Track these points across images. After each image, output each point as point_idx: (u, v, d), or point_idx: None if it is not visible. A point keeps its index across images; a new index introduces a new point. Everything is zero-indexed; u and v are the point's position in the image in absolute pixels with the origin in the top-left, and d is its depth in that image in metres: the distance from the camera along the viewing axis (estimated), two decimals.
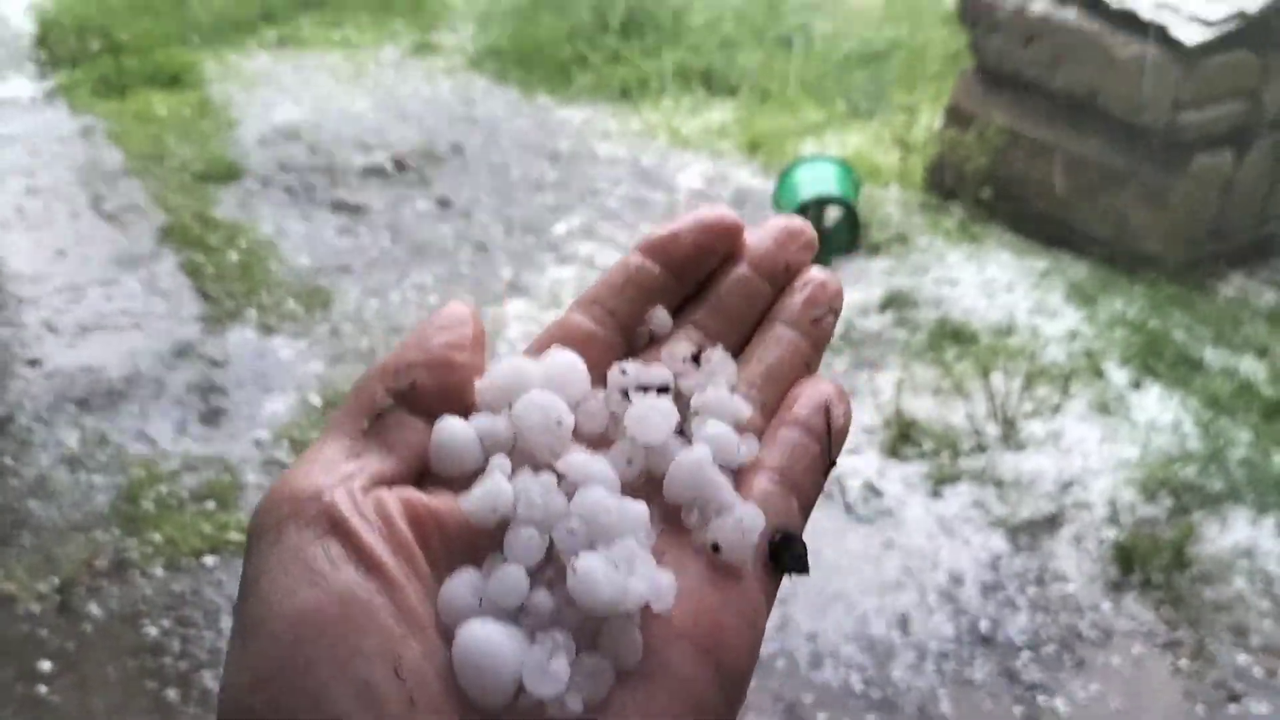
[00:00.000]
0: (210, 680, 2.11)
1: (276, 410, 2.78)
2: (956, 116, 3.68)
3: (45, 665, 2.09)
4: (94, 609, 2.21)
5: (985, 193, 3.58)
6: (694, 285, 0.41)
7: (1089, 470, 2.70)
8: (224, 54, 4.71)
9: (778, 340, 0.41)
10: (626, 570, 0.33)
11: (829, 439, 0.39)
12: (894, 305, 3.30)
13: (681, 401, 0.39)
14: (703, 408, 0.38)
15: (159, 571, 2.31)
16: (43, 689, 2.05)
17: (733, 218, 0.41)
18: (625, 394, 0.38)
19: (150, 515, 2.44)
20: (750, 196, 3.90)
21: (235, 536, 2.40)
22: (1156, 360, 3.00)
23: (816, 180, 3.49)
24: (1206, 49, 3.08)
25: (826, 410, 0.39)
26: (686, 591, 0.34)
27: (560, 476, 0.36)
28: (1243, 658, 2.27)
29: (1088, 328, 3.16)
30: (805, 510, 0.38)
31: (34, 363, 2.86)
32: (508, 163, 4.07)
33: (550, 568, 0.34)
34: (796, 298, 0.41)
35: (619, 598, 0.32)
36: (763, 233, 0.42)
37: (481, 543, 0.35)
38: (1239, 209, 3.35)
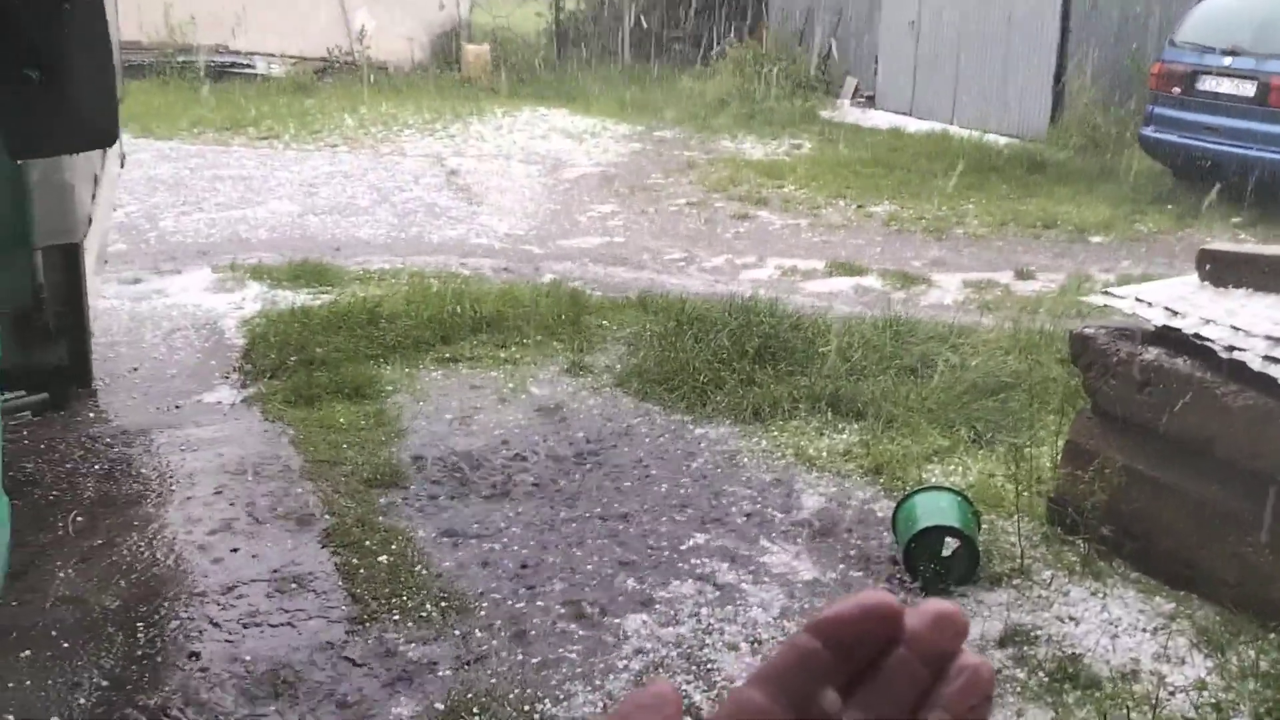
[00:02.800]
0: None
1: (402, 715, 2.96)
2: (1076, 453, 3.77)
3: None
4: None
5: (1107, 529, 3.59)
6: (858, 664, 0.45)
7: None
8: (403, 369, 5.27)
9: None
10: None
11: None
12: (1013, 642, 3.28)
13: None
14: None
15: None
16: None
17: (893, 604, 0.44)
18: None
19: None
20: (871, 519, 4.01)
21: None
22: None
23: (934, 510, 3.60)
24: None
25: None
26: None
27: None
28: None
29: (1217, 679, 3.06)
30: None
31: (193, 656, 3.15)
32: (641, 476, 4.34)
33: None
34: (953, 685, 0.44)
35: None
36: (919, 617, 0.45)
37: None
38: None
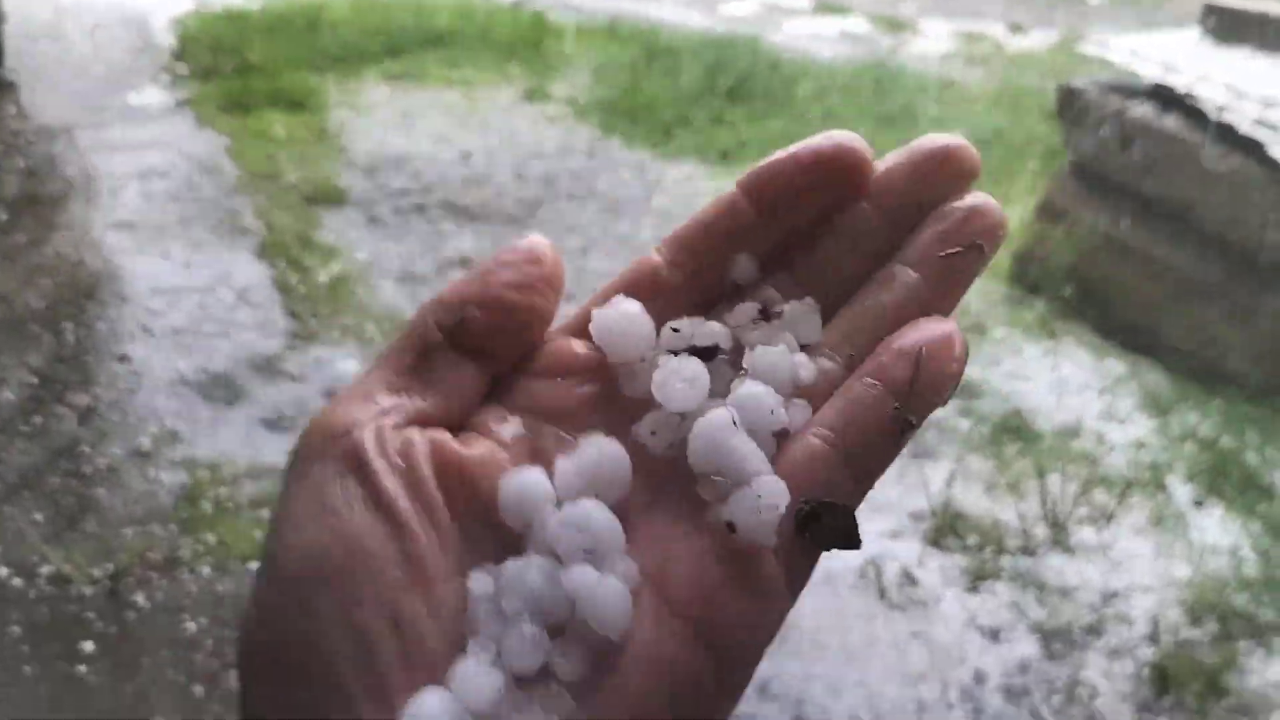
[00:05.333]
0: (236, 683, 2.19)
1: None
2: (1048, 211, 3.66)
3: (88, 646, 2.21)
4: (140, 599, 2.33)
5: (1069, 291, 3.53)
6: (799, 224, 0.35)
7: (1135, 585, 2.63)
8: (346, 82, 4.94)
9: (888, 283, 0.34)
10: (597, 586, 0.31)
11: (911, 393, 0.32)
12: (960, 395, 3.27)
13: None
14: (751, 367, 0.34)
15: (206, 571, 2.42)
16: (82, 668, 2.16)
17: (857, 148, 0.34)
18: (675, 355, 0.35)
19: (207, 517, 2.56)
20: None
21: None
22: (1223, 480, 2.91)
23: None
24: None
25: (917, 358, 0.32)
26: (691, 570, 0.32)
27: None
28: None
29: (1156, 439, 3.09)
30: (863, 476, 0.33)
31: (123, 359, 3.04)
32: (598, 212, 4.18)
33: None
34: (929, 231, 0.34)
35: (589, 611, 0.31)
36: (898, 160, 0.34)
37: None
38: None
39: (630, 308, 0.35)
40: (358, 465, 0.32)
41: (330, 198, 3.99)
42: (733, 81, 4.99)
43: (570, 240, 3.96)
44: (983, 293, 3.73)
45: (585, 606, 0.31)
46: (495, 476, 0.33)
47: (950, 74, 5.59)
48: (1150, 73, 3.47)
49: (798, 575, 0.33)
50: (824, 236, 0.35)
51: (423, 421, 0.33)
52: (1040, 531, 2.76)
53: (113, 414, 2.85)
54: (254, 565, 2.46)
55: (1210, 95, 3.29)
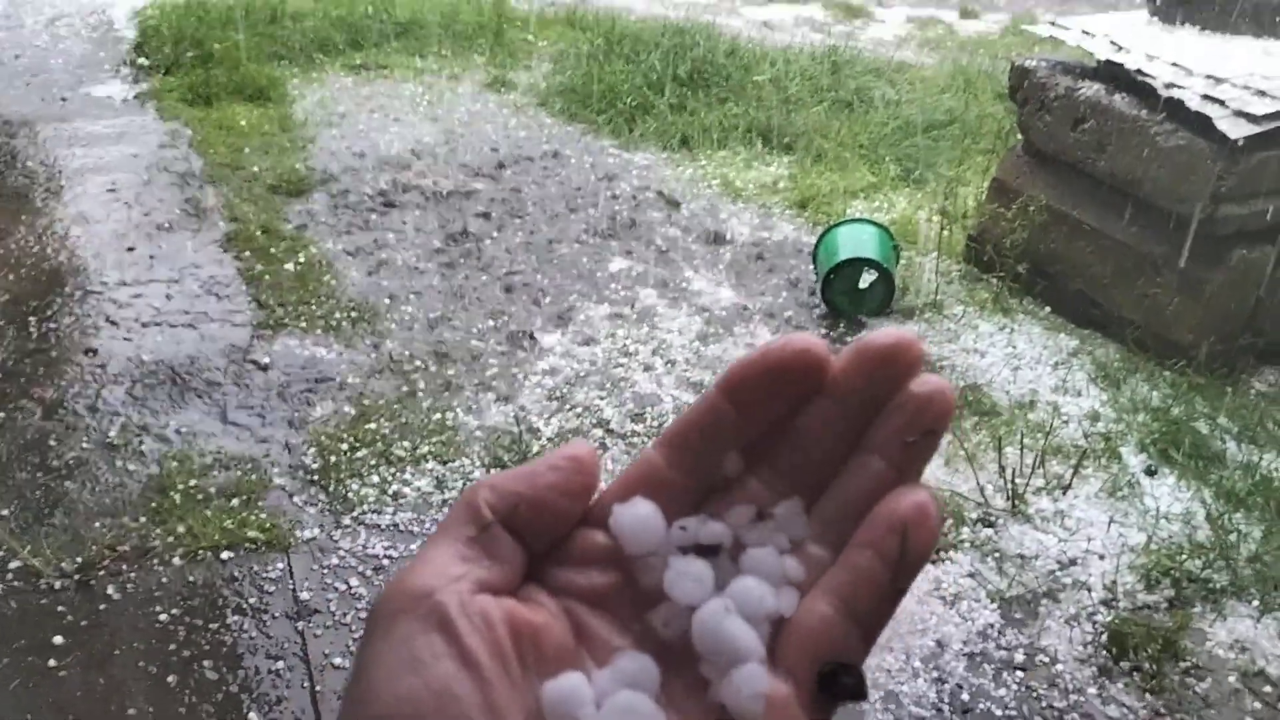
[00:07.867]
0: (210, 671, 2.22)
1: (311, 417, 2.92)
2: (1001, 191, 3.72)
3: (58, 639, 2.22)
4: (111, 591, 2.34)
5: (1022, 268, 3.61)
6: (773, 418, 0.40)
7: (1092, 552, 2.71)
8: (310, 74, 4.93)
9: (861, 471, 0.39)
10: None
11: (902, 563, 0.38)
12: None
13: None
14: (746, 568, 0.40)
15: (177, 561, 2.44)
16: (52, 661, 2.17)
17: (813, 351, 0.39)
18: (683, 550, 0.40)
19: (177, 507, 2.57)
20: (793, 250, 3.97)
21: (253, 534, 2.52)
22: (1175, 449, 2.99)
23: (855, 242, 3.55)
24: (1250, 144, 3.08)
25: (903, 532, 0.38)
26: None
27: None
28: None
29: (1109, 410, 3.17)
30: (869, 635, 0.39)
31: (90, 352, 3.04)
32: (563, 201, 4.21)
33: None
34: (888, 423, 0.39)
35: None
36: (850, 360, 0.39)
37: (571, 660, 0.39)
38: (1277, 305, 3.33)
39: (644, 509, 0.40)
40: (443, 623, 0.37)
41: (295, 188, 4.00)
42: (692, 68, 5.03)
43: (540, 232, 3.98)
44: (940, 272, 3.79)
45: None
46: (559, 638, 0.39)
47: (905, 58, 5.66)
48: (1101, 50, 3.54)
49: None
50: (797, 427, 0.40)
51: (490, 588, 0.39)
52: (999, 503, 2.83)
53: (80, 407, 2.86)
54: (226, 554, 2.48)
55: (1159, 73, 3.36)
